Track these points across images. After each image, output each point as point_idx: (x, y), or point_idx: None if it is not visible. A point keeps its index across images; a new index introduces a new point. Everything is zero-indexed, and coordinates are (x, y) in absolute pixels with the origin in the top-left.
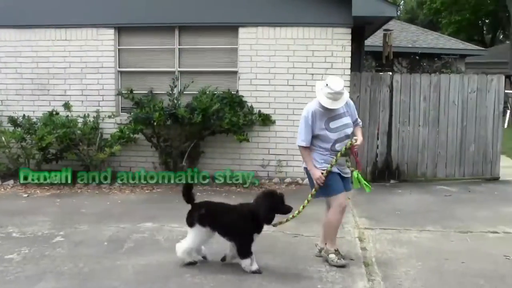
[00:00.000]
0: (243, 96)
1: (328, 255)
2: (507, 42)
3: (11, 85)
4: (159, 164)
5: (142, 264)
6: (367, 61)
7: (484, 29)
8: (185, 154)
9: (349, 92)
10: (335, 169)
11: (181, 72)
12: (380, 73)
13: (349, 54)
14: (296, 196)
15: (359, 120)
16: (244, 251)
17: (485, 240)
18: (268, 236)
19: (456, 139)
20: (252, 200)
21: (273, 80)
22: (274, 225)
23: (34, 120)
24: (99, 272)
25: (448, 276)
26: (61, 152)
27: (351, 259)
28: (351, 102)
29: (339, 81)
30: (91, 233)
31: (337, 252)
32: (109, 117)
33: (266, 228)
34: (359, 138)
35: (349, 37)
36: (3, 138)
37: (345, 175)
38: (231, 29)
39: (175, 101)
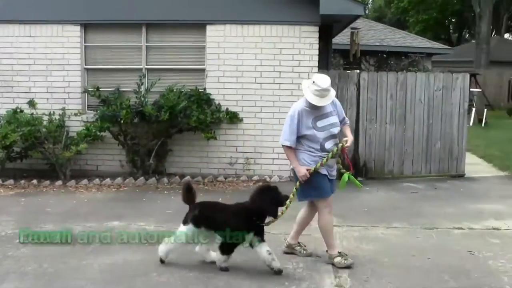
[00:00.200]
0: (210, 94)
1: (333, 259)
2: (473, 41)
3: None
4: (126, 163)
5: (109, 263)
6: (334, 59)
7: (451, 28)
8: (153, 152)
9: None
10: (324, 171)
11: (148, 70)
12: (348, 71)
13: (317, 52)
14: None
15: (346, 118)
16: (227, 248)
17: (450, 236)
18: None
19: (423, 136)
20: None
21: (240, 78)
22: (267, 224)
23: None
24: (65, 271)
25: (414, 272)
26: (26, 151)
27: (318, 256)
28: (338, 102)
29: (326, 78)
30: None
31: (340, 254)
32: (75, 115)
33: None
34: (349, 139)
35: (317, 35)
36: None
37: (332, 178)
38: (199, 26)
39: (142, 99)
